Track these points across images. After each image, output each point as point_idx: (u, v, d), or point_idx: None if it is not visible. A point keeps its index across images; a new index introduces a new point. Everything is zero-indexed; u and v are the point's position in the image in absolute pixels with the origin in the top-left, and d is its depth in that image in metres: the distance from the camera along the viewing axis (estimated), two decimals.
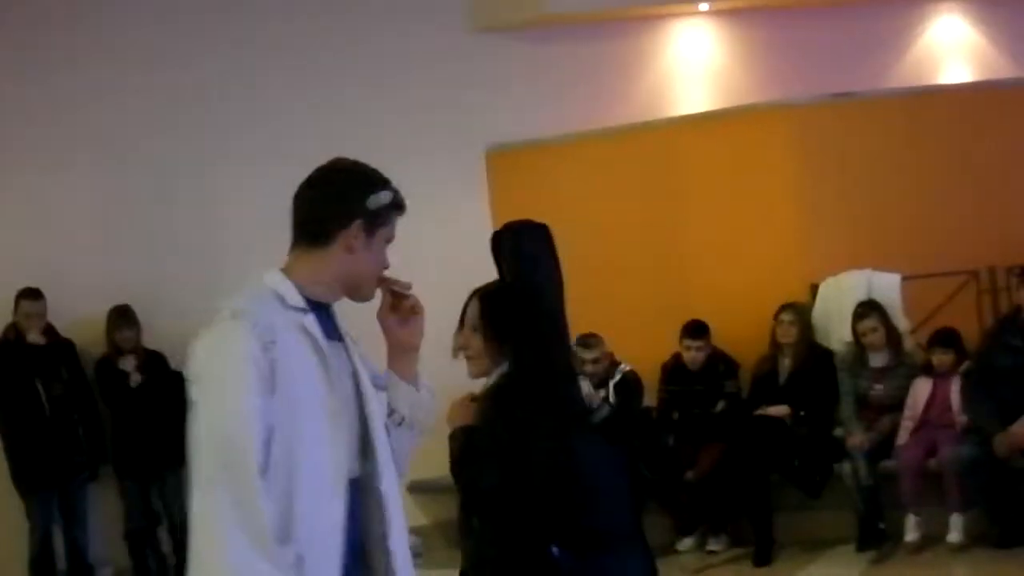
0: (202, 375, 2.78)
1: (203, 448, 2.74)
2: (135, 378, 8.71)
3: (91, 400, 8.79)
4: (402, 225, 2.92)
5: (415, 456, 3.26)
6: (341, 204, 2.87)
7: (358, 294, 2.93)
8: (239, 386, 2.72)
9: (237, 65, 9.14)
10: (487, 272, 3.69)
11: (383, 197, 2.89)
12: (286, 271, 2.88)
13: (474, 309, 3.64)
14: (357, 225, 2.85)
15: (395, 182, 2.88)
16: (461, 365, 3.70)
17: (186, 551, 8.59)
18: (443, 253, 8.40)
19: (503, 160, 9.31)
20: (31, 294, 8.56)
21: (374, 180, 2.92)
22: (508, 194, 9.04)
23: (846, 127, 8.90)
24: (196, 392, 2.78)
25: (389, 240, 2.94)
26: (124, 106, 9.01)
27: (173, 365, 8.45)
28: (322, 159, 3.29)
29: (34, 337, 8.56)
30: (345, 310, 2.98)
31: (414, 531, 7.85)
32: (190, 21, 9.08)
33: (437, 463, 4.00)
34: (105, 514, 8.90)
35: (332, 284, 2.90)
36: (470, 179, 9.25)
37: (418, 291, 3.04)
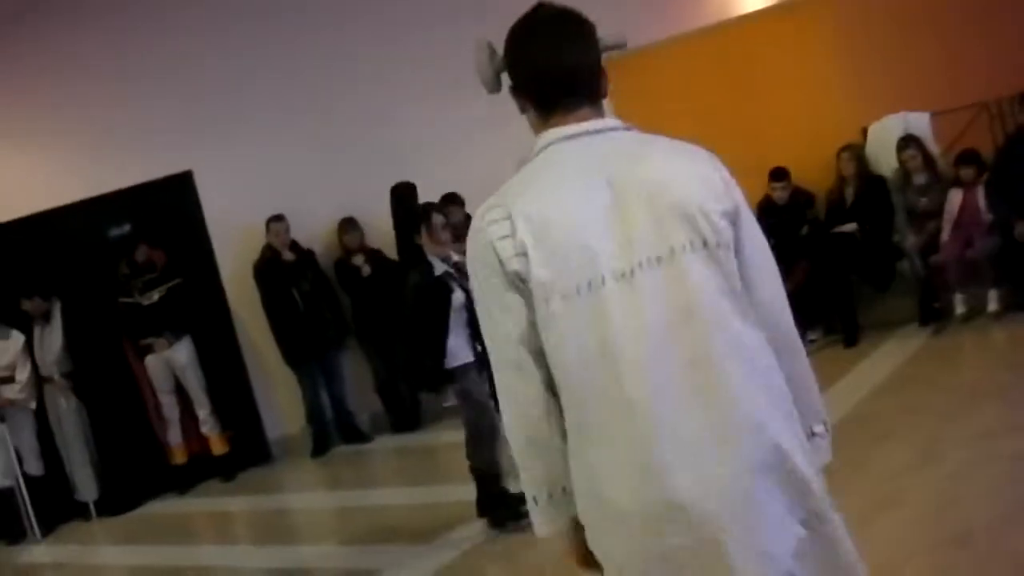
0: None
1: None
2: (365, 270, 9.64)
3: (332, 292, 9.73)
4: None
5: None
6: (599, 51, 2.39)
7: None
8: None
9: (412, 19, 10.21)
10: None
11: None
12: None
13: None
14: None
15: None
16: None
17: (420, 398, 9.44)
18: None
19: (616, 68, 9.64)
20: (276, 218, 9.59)
21: None
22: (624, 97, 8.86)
23: None
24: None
25: None
26: (342, 67, 10.14)
27: (391, 256, 9.01)
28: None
29: (287, 254, 9.48)
30: None
31: None
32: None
33: None
34: (358, 374, 9.86)
35: None
36: None
37: None
